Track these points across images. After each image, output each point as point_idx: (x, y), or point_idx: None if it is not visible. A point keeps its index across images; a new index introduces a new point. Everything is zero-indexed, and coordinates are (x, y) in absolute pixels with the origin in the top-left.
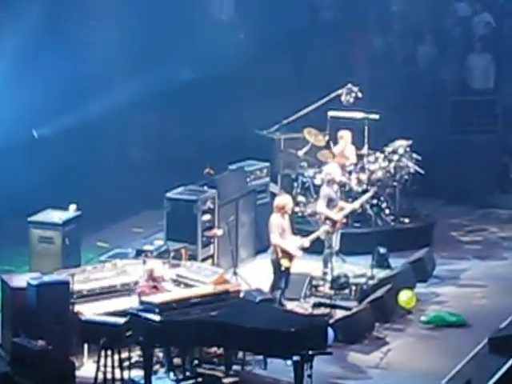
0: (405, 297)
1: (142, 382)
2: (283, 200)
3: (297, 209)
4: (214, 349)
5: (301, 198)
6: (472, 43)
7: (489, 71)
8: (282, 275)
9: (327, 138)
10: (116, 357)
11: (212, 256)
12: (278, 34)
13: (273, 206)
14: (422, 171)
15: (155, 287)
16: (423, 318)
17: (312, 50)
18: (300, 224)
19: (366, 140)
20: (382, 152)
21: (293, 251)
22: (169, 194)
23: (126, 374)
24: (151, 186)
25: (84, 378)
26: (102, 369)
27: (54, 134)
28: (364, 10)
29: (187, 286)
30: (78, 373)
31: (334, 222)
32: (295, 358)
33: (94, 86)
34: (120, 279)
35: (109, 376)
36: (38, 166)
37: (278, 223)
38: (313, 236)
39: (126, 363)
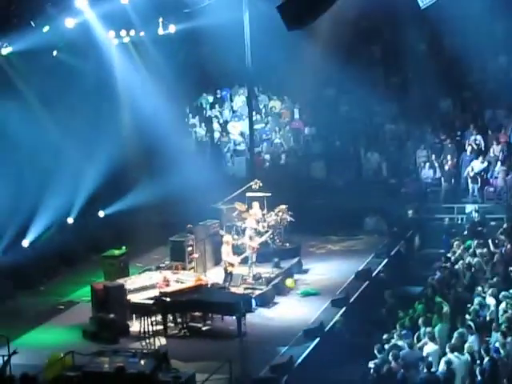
0: (289, 281)
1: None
2: (228, 238)
3: (234, 242)
4: (197, 313)
5: (235, 237)
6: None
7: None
8: (228, 275)
9: (246, 206)
10: (149, 320)
11: (193, 267)
12: None
13: (223, 240)
14: (293, 219)
15: (167, 284)
16: (298, 292)
17: None
18: (235, 249)
19: (265, 206)
20: (274, 211)
21: (234, 262)
22: (171, 238)
23: (153, 328)
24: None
25: (133, 331)
26: (142, 326)
27: None
28: None
29: (182, 283)
30: (130, 329)
31: (252, 247)
32: (237, 315)
33: None
34: (149, 281)
35: (145, 329)
36: None
37: (226, 249)
38: (243, 256)
39: (154, 323)
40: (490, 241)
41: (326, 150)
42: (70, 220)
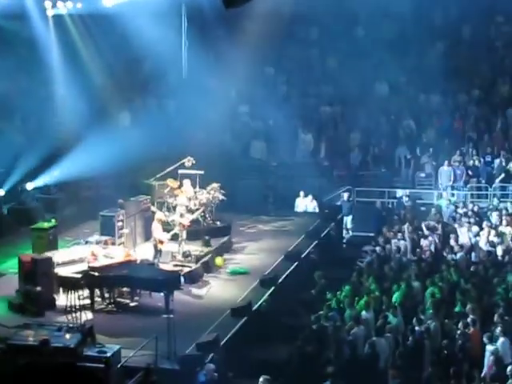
0: (218, 260)
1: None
2: (159, 215)
3: (164, 219)
4: (125, 288)
5: (166, 213)
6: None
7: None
8: (157, 252)
9: (178, 183)
10: (76, 294)
11: (123, 243)
12: None
13: (154, 217)
14: (225, 198)
15: (95, 259)
16: (227, 270)
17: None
18: (166, 226)
19: (197, 183)
20: (205, 189)
21: (164, 239)
22: (101, 213)
23: (80, 302)
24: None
25: (60, 305)
26: (69, 300)
27: None
28: None
29: (111, 258)
30: (57, 303)
31: (183, 225)
32: (164, 291)
33: None
34: (78, 255)
35: (72, 303)
36: None
37: (157, 225)
38: (172, 232)
39: (81, 297)
40: (422, 225)
41: (261, 129)
42: (1, 192)
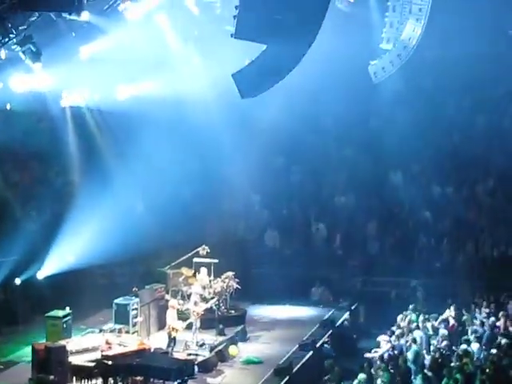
0: (232, 349)
1: None
2: (173, 302)
3: (179, 307)
4: (139, 377)
5: (181, 302)
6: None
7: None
8: (171, 340)
9: (193, 271)
10: (90, 383)
11: (137, 331)
12: None
13: (168, 305)
14: (239, 287)
15: (109, 347)
16: (241, 359)
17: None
18: (181, 314)
19: (212, 271)
20: (220, 278)
21: (178, 327)
22: (115, 301)
23: None
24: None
25: None
26: None
27: None
28: None
29: (125, 346)
30: None
31: (197, 313)
32: (178, 381)
33: None
34: (92, 343)
35: None
36: None
37: (171, 314)
38: (187, 322)
39: None
40: (435, 316)
41: (273, 218)
42: (18, 281)
